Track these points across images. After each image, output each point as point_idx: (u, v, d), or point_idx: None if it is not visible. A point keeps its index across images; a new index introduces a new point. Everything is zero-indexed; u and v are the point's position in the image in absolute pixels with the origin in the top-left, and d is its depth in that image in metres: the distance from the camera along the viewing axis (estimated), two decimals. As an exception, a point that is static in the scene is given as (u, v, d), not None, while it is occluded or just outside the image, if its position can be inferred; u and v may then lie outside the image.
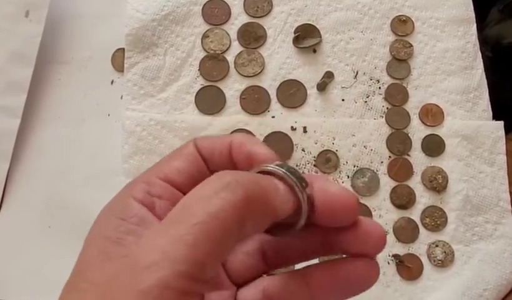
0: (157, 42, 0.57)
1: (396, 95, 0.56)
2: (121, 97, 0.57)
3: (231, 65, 0.57)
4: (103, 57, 0.58)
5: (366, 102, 0.56)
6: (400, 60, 0.57)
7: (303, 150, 0.55)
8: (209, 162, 0.28)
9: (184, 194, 0.24)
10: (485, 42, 0.77)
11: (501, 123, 0.55)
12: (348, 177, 0.54)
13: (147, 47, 0.57)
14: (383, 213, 0.53)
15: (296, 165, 0.54)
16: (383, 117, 0.56)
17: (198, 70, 0.57)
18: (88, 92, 0.57)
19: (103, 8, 0.60)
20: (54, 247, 0.52)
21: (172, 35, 0.57)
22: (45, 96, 0.57)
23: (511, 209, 0.54)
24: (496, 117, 0.57)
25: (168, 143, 0.54)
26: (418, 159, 0.55)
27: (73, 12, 0.60)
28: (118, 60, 0.58)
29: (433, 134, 0.55)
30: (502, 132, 0.55)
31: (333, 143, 0.55)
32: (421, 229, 0.53)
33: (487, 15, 0.81)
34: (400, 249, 0.52)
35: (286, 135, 0.55)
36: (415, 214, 0.53)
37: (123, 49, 0.57)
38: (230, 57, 0.57)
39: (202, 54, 0.57)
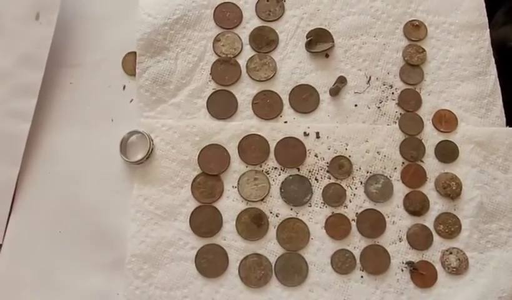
0: (168, 46, 0.56)
1: (409, 101, 0.56)
2: (130, 101, 0.56)
3: (243, 70, 0.57)
4: (115, 60, 0.58)
5: (379, 107, 0.56)
6: (413, 65, 0.57)
7: (315, 156, 0.54)
8: None
9: None
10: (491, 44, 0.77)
11: (515, 129, 0.55)
12: (361, 183, 0.54)
13: (158, 52, 0.56)
14: (397, 220, 0.53)
15: (309, 172, 0.54)
16: (396, 122, 0.56)
17: (210, 74, 0.56)
18: (100, 95, 0.57)
19: (114, 10, 0.60)
20: (63, 252, 0.52)
21: (184, 39, 0.57)
22: (56, 99, 0.57)
23: (526, 216, 0.53)
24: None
25: (180, 148, 0.54)
26: (432, 165, 0.54)
27: (84, 13, 0.59)
28: (129, 63, 0.57)
29: (447, 140, 0.55)
30: (516, 139, 0.55)
31: (346, 149, 0.54)
32: (435, 236, 0.52)
33: (492, 17, 0.80)
34: (414, 256, 0.52)
35: (298, 140, 0.54)
36: (429, 220, 0.53)
37: (135, 52, 0.57)
38: (242, 61, 0.57)
39: (214, 58, 0.57)
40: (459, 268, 0.51)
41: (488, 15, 0.60)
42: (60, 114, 0.56)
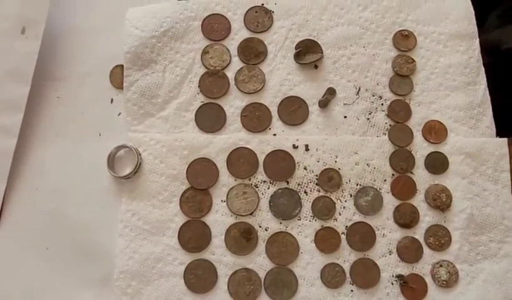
0: (156, 59, 0.56)
1: (399, 112, 0.56)
2: (118, 114, 0.56)
3: (232, 82, 0.56)
4: (102, 73, 0.57)
5: (368, 119, 0.56)
6: (403, 76, 0.57)
7: (305, 168, 0.54)
8: None
9: None
10: (484, 47, 0.77)
11: (504, 140, 0.55)
12: (351, 196, 0.53)
13: (146, 65, 0.56)
14: (387, 232, 0.53)
15: (298, 185, 0.53)
16: (385, 134, 0.55)
17: (198, 87, 0.56)
18: (87, 109, 0.56)
19: (101, 22, 0.59)
20: (51, 269, 0.52)
21: (171, 52, 0.57)
22: (43, 114, 0.56)
23: (516, 228, 0.53)
24: (494, 121, 0.56)
25: (168, 162, 0.54)
26: (422, 176, 0.54)
27: (71, 26, 0.59)
28: (116, 76, 0.57)
29: (437, 152, 0.55)
30: (506, 149, 0.54)
31: (335, 161, 0.54)
32: (425, 249, 0.52)
33: (486, 20, 0.80)
34: (404, 269, 0.52)
35: (287, 153, 0.54)
36: (419, 233, 0.53)
37: (122, 65, 0.56)
38: (230, 73, 0.56)
39: (202, 71, 0.56)
40: (449, 281, 0.51)
41: (481, 18, 0.59)
42: (47, 129, 0.56)
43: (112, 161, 0.54)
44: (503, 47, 0.72)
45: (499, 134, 0.56)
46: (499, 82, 0.58)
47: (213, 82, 0.56)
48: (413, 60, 0.57)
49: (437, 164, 0.54)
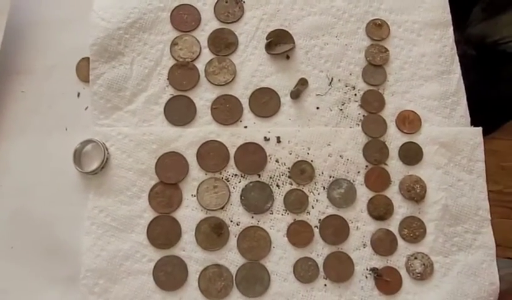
0: (123, 51, 0.54)
1: (372, 102, 0.55)
2: (85, 108, 0.54)
3: (202, 74, 0.55)
4: (68, 66, 0.56)
5: (341, 109, 0.55)
6: (376, 65, 0.56)
7: (277, 161, 0.53)
8: None
9: None
10: (468, 40, 0.76)
11: (479, 129, 0.54)
12: (324, 188, 0.52)
13: (112, 57, 0.54)
14: (361, 225, 0.52)
15: (270, 178, 0.52)
16: (359, 125, 0.54)
17: (167, 79, 0.55)
18: (53, 103, 0.55)
19: (67, 13, 0.57)
20: (16, 269, 0.50)
21: (139, 44, 0.55)
22: (7, 109, 0.54)
23: (490, 218, 0.52)
24: (477, 114, 0.55)
25: (136, 157, 0.52)
26: (396, 167, 0.53)
27: (35, 18, 0.57)
28: (83, 70, 0.55)
29: (410, 142, 0.54)
30: (480, 139, 0.54)
31: (308, 153, 0.53)
32: (400, 241, 0.51)
33: (470, 13, 0.80)
34: (378, 262, 0.51)
35: (259, 146, 0.53)
36: (393, 225, 0.52)
37: (88, 58, 0.54)
38: (200, 65, 0.55)
39: (171, 63, 0.55)
40: (423, 273, 0.50)
41: (466, 12, 0.59)
42: (11, 124, 0.54)
43: (78, 156, 0.52)
44: (487, 40, 0.72)
45: (485, 126, 0.55)
46: (484, 75, 0.57)
47: (182, 74, 0.55)
48: (386, 50, 0.56)
49: (411, 154, 0.53)
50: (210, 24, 0.56)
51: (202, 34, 0.56)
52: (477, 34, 0.76)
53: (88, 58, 0.55)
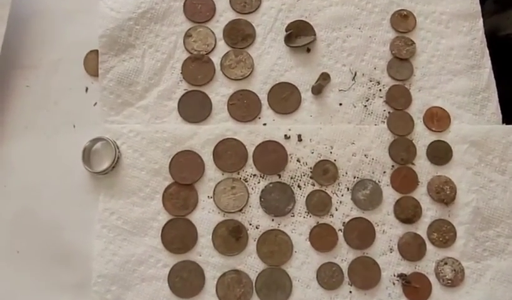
0: (134, 43, 0.52)
1: (398, 98, 0.52)
2: (94, 104, 0.51)
3: (218, 68, 0.52)
4: (75, 60, 0.53)
5: (365, 106, 0.52)
6: (402, 59, 0.53)
7: (298, 160, 0.50)
8: None
9: None
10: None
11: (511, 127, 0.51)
12: (348, 189, 0.50)
13: (123, 49, 0.51)
14: (387, 228, 0.49)
15: (291, 178, 0.50)
16: (384, 122, 0.52)
17: (181, 73, 0.52)
18: (60, 99, 0.52)
19: (74, 4, 0.55)
20: (22, 274, 0.48)
21: (151, 35, 0.52)
22: (11, 104, 0.52)
23: (525, 221, 0.50)
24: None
25: (149, 156, 0.49)
26: (423, 167, 0.51)
27: (40, 8, 0.55)
28: (91, 63, 0.52)
29: (439, 140, 0.51)
30: (513, 137, 0.51)
31: (330, 152, 0.50)
32: (428, 245, 0.49)
33: (482, 6, 0.77)
34: (406, 268, 0.48)
35: (279, 144, 0.50)
36: (421, 228, 0.49)
37: (97, 50, 0.52)
38: (216, 58, 0.52)
39: (185, 55, 0.52)
40: (454, 279, 0.48)
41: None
42: (16, 121, 0.51)
43: (87, 155, 0.50)
44: (500, 33, 0.69)
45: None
46: (496, 69, 0.54)
47: (197, 67, 0.52)
48: (413, 43, 0.54)
49: (440, 153, 0.51)
50: (225, 15, 0.54)
51: (217, 25, 0.53)
52: (489, 27, 0.74)
53: (96, 51, 0.52)
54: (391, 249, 0.49)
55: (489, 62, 0.53)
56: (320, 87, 0.52)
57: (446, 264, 0.48)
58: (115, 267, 0.47)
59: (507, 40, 0.70)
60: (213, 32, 0.53)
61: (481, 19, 0.55)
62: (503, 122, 0.52)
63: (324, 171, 0.50)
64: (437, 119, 0.52)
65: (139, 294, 0.47)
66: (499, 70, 0.59)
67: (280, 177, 0.50)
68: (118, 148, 0.49)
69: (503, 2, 0.74)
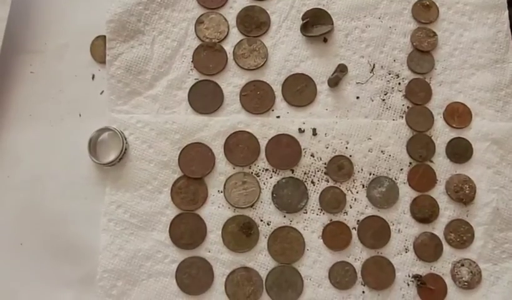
0: (143, 29, 0.50)
1: (418, 93, 0.50)
2: (101, 93, 0.50)
3: (230, 56, 0.51)
4: (82, 45, 0.52)
5: (384, 100, 0.50)
6: (423, 51, 0.51)
7: (312, 155, 0.48)
8: None
9: None
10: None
11: (535, 125, 0.50)
12: (364, 186, 0.48)
13: (131, 35, 0.50)
14: (403, 227, 0.48)
15: (305, 174, 0.48)
16: (403, 117, 0.50)
17: (192, 61, 0.50)
18: (65, 86, 0.51)
19: (81, -14, 0.53)
20: (26, 268, 0.47)
21: (161, 21, 0.51)
22: (15, 91, 0.50)
23: (546, 223, 0.48)
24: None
25: (158, 147, 0.48)
26: (442, 165, 0.49)
27: (46, -9, 0.53)
28: (98, 49, 0.51)
29: (459, 138, 0.50)
30: (536, 136, 0.49)
31: (346, 147, 0.49)
32: (445, 246, 0.48)
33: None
34: (421, 269, 0.47)
35: (293, 138, 0.49)
36: (438, 228, 0.48)
37: (104, 36, 0.50)
38: (229, 46, 0.51)
39: (196, 43, 0.51)
40: (471, 282, 0.47)
41: None
42: (20, 109, 0.50)
43: (93, 146, 0.48)
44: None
45: None
46: None
47: (208, 56, 0.50)
48: (435, 34, 0.52)
49: (460, 151, 0.49)
50: (239, 1, 0.52)
51: (231, 12, 0.52)
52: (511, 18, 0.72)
53: (104, 36, 0.50)
54: (406, 249, 0.47)
55: (515, 56, 0.51)
56: (336, 79, 0.50)
57: (462, 265, 0.47)
58: (121, 262, 0.46)
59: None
60: (226, 19, 0.51)
61: (507, 11, 0.53)
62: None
63: (339, 167, 0.48)
64: (458, 115, 0.50)
65: (146, 290, 0.46)
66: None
67: (293, 172, 0.48)
68: (125, 139, 0.48)
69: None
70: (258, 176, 0.48)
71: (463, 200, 0.48)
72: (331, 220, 0.48)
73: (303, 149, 0.49)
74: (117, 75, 0.49)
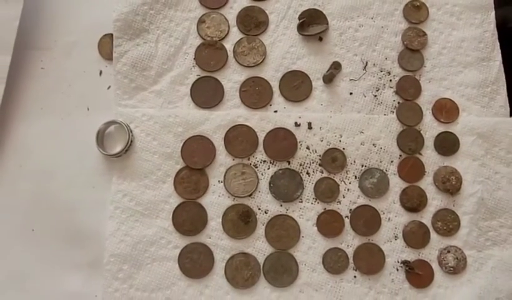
0: (148, 28, 0.52)
1: (408, 89, 0.52)
2: (108, 88, 0.52)
3: (230, 54, 0.52)
4: (90, 43, 0.53)
5: (375, 96, 0.52)
6: (413, 50, 0.53)
7: (307, 148, 0.51)
8: None
9: None
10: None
11: (519, 120, 0.52)
12: (356, 177, 0.50)
13: (137, 34, 0.52)
14: (392, 216, 0.50)
15: (300, 165, 0.50)
16: (393, 112, 0.52)
17: (194, 59, 0.52)
18: (74, 82, 0.53)
19: (89, -13, 0.55)
20: (37, 252, 0.49)
21: (165, 21, 0.52)
22: (26, 86, 0.52)
23: (528, 213, 0.51)
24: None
25: (161, 140, 0.50)
26: (430, 158, 0.51)
27: (55, -9, 0.55)
28: (105, 46, 0.53)
29: (447, 132, 0.52)
30: (520, 130, 0.52)
31: (340, 140, 0.51)
32: (433, 234, 0.50)
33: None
34: (410, 255, 0.49)
35: (289, 131, 0.51)
36: (426, 217, 0.50)
37: (111, 34, 0.52)
38: (229, 44, 0.53)
39: (198, 41, 0.53)
40: (456, 267, 0.49)
41: None
42: (31, 103, 0.52)
43: (101, 138, 0.50)
44: (509, 25, 0.69)
45: None
46: (504, 62, 0.54)
47: (210, 54, 0.52)
48: (424, 34, 0.54)
49: (447, 144, 0.51)
50: (239, 1, 0.54)
51: (231, 12, 0.53)
52: (498, 19, 0.73)
53: (111, 35, 0.52)
54: (395, 237, 0.50)
55: (500, 55, 0.53)
56: (331, 76, 0.52)
57: (449, 252, 0.49)
58: (127, 247, 0.48)
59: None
60: (226, 19, 0.53)
61: (493, 12, 0.54)
62: (511, 115, 0.53)
63: (333, 159, 0.51)
64: (446, 110, 0.52)
65: (150, 273, 0.48)
66: (508, 62, 0.59)
67: (289, 163, 0.50)
68: (131, 131, 0.50)
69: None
70: (256, 167, 0.50)
71: (450, 191, 0.50)
72: (325, 209, 0.50)
73: (299, 142, 0.51)
74: (123, 71, 0.51)
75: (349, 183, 0.50)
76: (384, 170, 0.51)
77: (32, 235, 0.49)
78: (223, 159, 0.50)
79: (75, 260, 0.49)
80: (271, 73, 0.52)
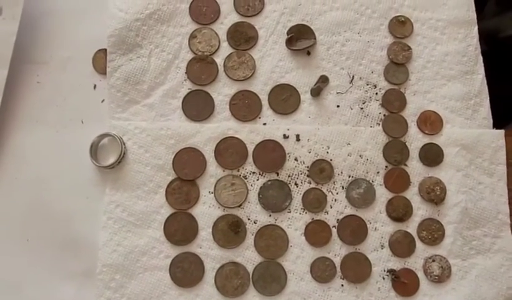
0: (141, 43, 0.53)
1: (394, 102, 0.54)
2: (102, 101, 0.53)
3: (221, 68, 0.54)
4: (84, 58, 0.55)
5: (362, 108, 0.54)
6: (398, 64, 0.55)
7: (295, 159, 0.52)
8: None
9: None
10: (481, 35, 0.75)
11: (501, 132, 0.53)
12: (343, 188, 0.52)
13: (130, 49, 0.53)
14: (379, 226, 0.51)
15: (289, 176, 0.52)
16: (379, 124, 0.53)
17: (186, 73, 0.54)
18: (69, 95, 0.54)
19: (84, 3, 0.56)
20: (32, 262, 0.50)
21: (157, 36, 0.54)
22: (22, 99, 0.53)
23: (510, 222, 0.52)
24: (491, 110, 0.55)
25: (153, 152, 0.51)
26: (416, 169, 0.53)
27: (52, 7, 0.56)
28: (100, 61, 0.54)
29: (431, 143, 0.53)
30: (502, 141, 0.53)
31: (327, 152, 0.52)
32: (418, 243, 0.51)
33: (484, 7, 0.78)
34: (396, 264, 0.50)
35: (278, 143, 0.52)
36: (412, 226, 0.51)
37: (105, 49, 0.53)
38: (219, 59, 0.54)
39: (190, 56, 0.54)
40: (441, 276, 0.50)
41: (479, 5, 0.57)
42: (27, 115, 0.53)
43: (94, 150, 0.52)
44: (501, 35, 0.71)
45: (496, 123, 0.54)
46: (497, 71, 0.56)
47: (201, 68, 0.54)
48: (409, 48, 0.55)
49: (432, 156, 0.53)
50: (229, 17, 0.55)
51: (221, 27, 0.55)
52: (490, 28, 0.74)
53: (105, 50, 0.54)
54: (382, 246, 0.51)
55: (483, 68, 0.55)
56: (318, 89, 0.53)
57: (434, 261, 0.50)
58: (119, 257, 0.49)
59: (508, 41, 0.72)
60: (217, 34, 0.55)
61: (476, 26, 0.56)
62: (494, 126, 0.54)
63: (321, 170, 0.52)
64: (430, 122, 0.53)
65: (142, 282, 0.49)
66: (498, 72, 0.61)
67: (278, 175, 0.52)
68: (124, 144, 0.51)
69: (505, 3, 0.75)
70: (246, 178, 0.52)
71: (434, 201, 0.51)
72: (313, 219, 0.51)
73: (288, 154, 0.52)
74: (116, 85, 0.53)
75: (337, 193, 0.52)
76: (370, 181, 0.52)
77: (27, 245, 0.50)
78: (214, 171, 0.51)
79: (69, 270, 0.50)
80: (261, 86, 0.54)
